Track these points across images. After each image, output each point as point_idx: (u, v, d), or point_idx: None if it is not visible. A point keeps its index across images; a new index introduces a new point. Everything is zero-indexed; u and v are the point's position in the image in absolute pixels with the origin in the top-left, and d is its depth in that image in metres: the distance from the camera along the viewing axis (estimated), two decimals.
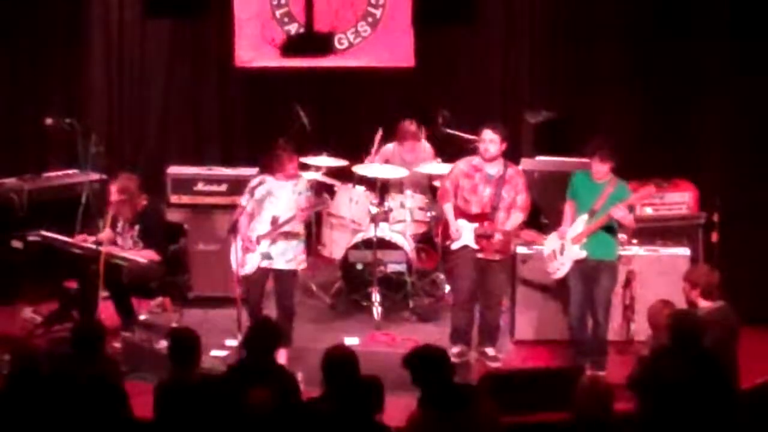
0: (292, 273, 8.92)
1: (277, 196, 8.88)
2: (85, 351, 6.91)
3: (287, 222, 8.75)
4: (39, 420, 6.50)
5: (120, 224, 9.38)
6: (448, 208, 9.08)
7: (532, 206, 9.19)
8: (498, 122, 9.23)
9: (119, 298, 9.34)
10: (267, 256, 8.82)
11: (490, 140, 8.90)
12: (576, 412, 6.34)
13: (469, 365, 9.00)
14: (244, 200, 8.93)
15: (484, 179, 8.95)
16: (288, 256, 8.82)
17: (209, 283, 10.09)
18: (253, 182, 8.98)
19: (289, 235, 8.83)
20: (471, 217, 8.97)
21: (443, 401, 6.23)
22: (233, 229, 8.82)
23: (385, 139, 10.77)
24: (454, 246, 9.04)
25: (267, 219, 8.86)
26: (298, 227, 8.93)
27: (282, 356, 8.71)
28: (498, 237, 8.87)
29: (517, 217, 8.94)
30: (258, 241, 8.79)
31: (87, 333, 7.07)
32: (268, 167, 9.09)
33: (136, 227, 9.36)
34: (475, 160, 9.06)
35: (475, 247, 8.94)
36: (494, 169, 8.95)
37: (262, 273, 8.88)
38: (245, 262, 8.83)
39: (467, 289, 9.09)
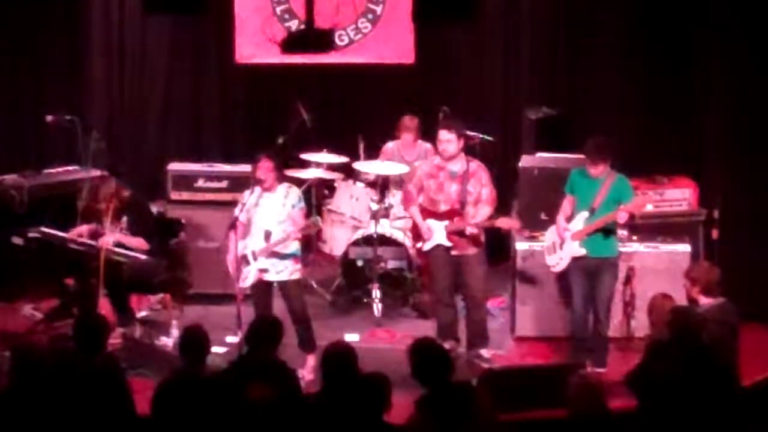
0: (293, 282, 8.81)
1: (265, 207, 8.72)
2: (88, 346, 6.91)
3: (280, 242, 8.62)
4: (43, 415, 6.51)
5: (108, 220, 9.35)
6: (415, 211, 9.13)
7: (530, 205, 9.17)
8: (454, 120, 9.20)
9: (116, 295, 9.32)
10: (263, 270, 8.75)
11: (447, 140, 8.92)
12: (569, 409, 6.35)
13: (459, 360, 8.90)
14: (237, 210, 8.81)
15: (449, 177, 8.98)
16: (278, 268, 8.73)
17: (209, 279, 10.08)
18: (247, 192, 8.88)
19: (279, 253, 8.72)
20: (440, 216, 8.99)
21: (442, 401, 6.24)
22: (233, 226, 8.78)
23: (369, 146, 10.77)
24: (426, 247, 9.08)
25: (258, 231, 8.71)
26: (290, 245, 8.76)
27: (310, 361, 8.70)
28: (470, 230, 8.88)
29: (486, 211, 8.96)
30: (255, 257, 8.73)
31: (90, 328, 7.07)
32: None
33: (124, 219, 9.36)
34: (437, 159, 9.10)
35: (448, 244, 8.96)
36: (457, 165, 8.98)
37: (265, 285, 8.79)
38: (244, 275, 8.77)
39: (446, 287, 9.12)
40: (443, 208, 9.00)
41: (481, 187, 8.98)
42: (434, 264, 9.17)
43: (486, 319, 9.26)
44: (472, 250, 8.99)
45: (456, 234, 8.95)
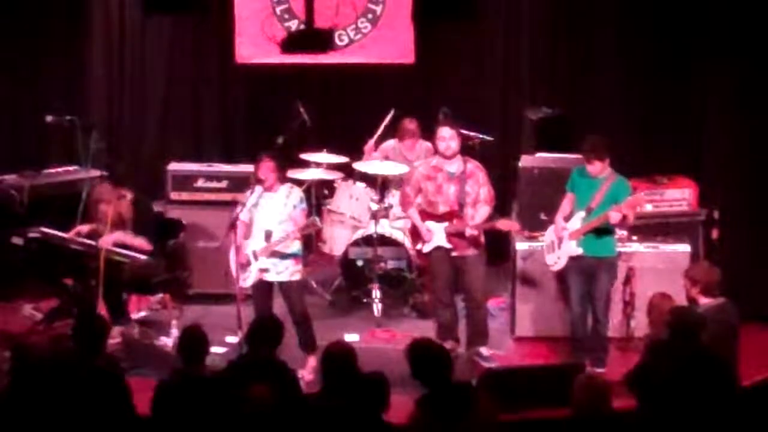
0: (293, 282, 8.80)
1: (265, 206, 8.73)
2: (87, 346, 6.92)
3: (280, 242, 8.64)
4: (42, 415, 6.51)
5: (108, 224, 9.34)
6: (414, 213, 9.15)
7: (530, 205, 9.15)
8: (452, 116, 9.20)
9: (112, 295, 9.28)
10: (264, 270, 8.75)
11: (450, 137, 8.94)
12: (574, 409, 6.34)
13: (459, 360, 8.91)
14: (238, 210, 8.80)
15: (447, 178, 8.99)
16: (279, 268, 8.73)
17: (209, 279, 10.08)
18: (249, 191, 8.89)
19: (280, 253, 8.71)
20: (439, 217, 9.01)
21: (442, 400, 6.24)
22: (233, 226, 8.79)
23: (393, 123, 10.75)
24: (426, 249, 9.10)
25: (259, 231, 8.72)
26: (292, 245, 8.76)
27: (310, 362, 8.70)
28: (469, 232, 8.89)
29: (484, 211, 8.98)
30: (256, 257, 8.73)
31: (90, 328, 7.08)
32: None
33: (128, 220, 9.36)
34: (434, 161, 9.13)
35: (448, 246, 8.97)
36: (454, 166, 8.99)
37: (265, 285, 8.80)
38: (245, 275, 8.77)
39: (446, 288, 9.15)
40: (442, 209, 9.01)
41: (479, 187, 8.99)
42: (434, 265, 9.18)
43: (486, 318, 9.27)
44: (472, 251, 9.00)
45: (455, 235, 8.96)
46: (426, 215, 9.07)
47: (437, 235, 9.01)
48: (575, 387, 6.38)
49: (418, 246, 9.24)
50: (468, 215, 8.96)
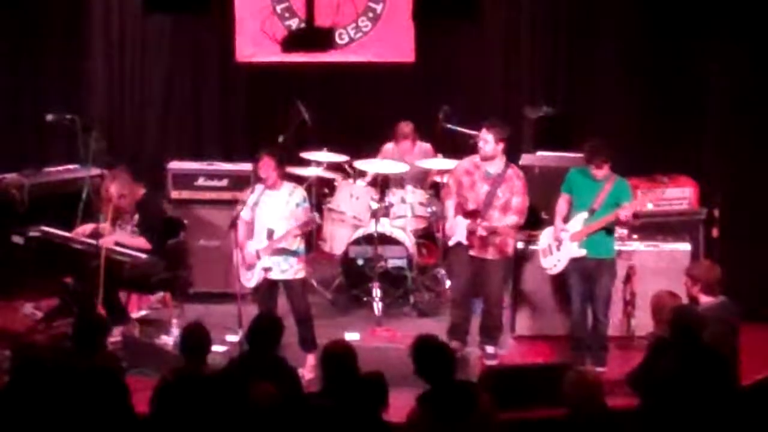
0: (297, 281, 8.82)
1: (267, 204, 8.75)
2: (86, 344, 6.92)
3: (282, 239, 8.64)
4: (42, 414, 6.51)
5: (110, 215, 9.33)
6: (450, 205, 9.08)
7: (530, 204, 9.12)
8: (498, 122, 9.07)
9: (108, 296, 9.25)
10: (267, 269, 8.76)
11: (483, 139, 8.90)
12: (567, 406, 6.34)
13: (462, 362, 8.91)
14: (240, 208, 8.83)
15: (483, 177, 8.95)
16: (283, 266, 8.74)
17: (210, 278, 10.10)
18: (249, 190, 8.90)
19: (284, 251, 8.74)
20: (466, 214, 8.97)
21: (443, 398, 6.24)
22: (234, 225, 8.80)
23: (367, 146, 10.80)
24: (450, 243, 9.08)
25: (261, 231, 8.74)
26: (294, 243, 8.76)
27: (310, 360, 8.71)
28: (480, 232, 8.85)
29: (511, 219, 8.89)
30: (258, 256, 8.74)
31: (88, 327, 7.08)
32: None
33: (136, 216, 9.37)
34: (477, 158, 9.05)
35: (465, 243, 8.94)
36: (493, 167, 8.94)
37: (270, 284, 8.81)
38: (250, 275, 8.79)
39: (462, 287, 9.14)
40: (470, 206, 8.95)
41: (512, 195, 8.89)
42: (453, 263, 9.19)
43: (500, 324, 9.23)
44: (492, 255, 8.94)
45: (473, 234, 8.92)
46: (459, 210, 9.03)
47: (460, 231, 8.97)
48: (565, 383, 6.38)
49: (447, 239, 9.20)
50: (493, 218, 8.89)
